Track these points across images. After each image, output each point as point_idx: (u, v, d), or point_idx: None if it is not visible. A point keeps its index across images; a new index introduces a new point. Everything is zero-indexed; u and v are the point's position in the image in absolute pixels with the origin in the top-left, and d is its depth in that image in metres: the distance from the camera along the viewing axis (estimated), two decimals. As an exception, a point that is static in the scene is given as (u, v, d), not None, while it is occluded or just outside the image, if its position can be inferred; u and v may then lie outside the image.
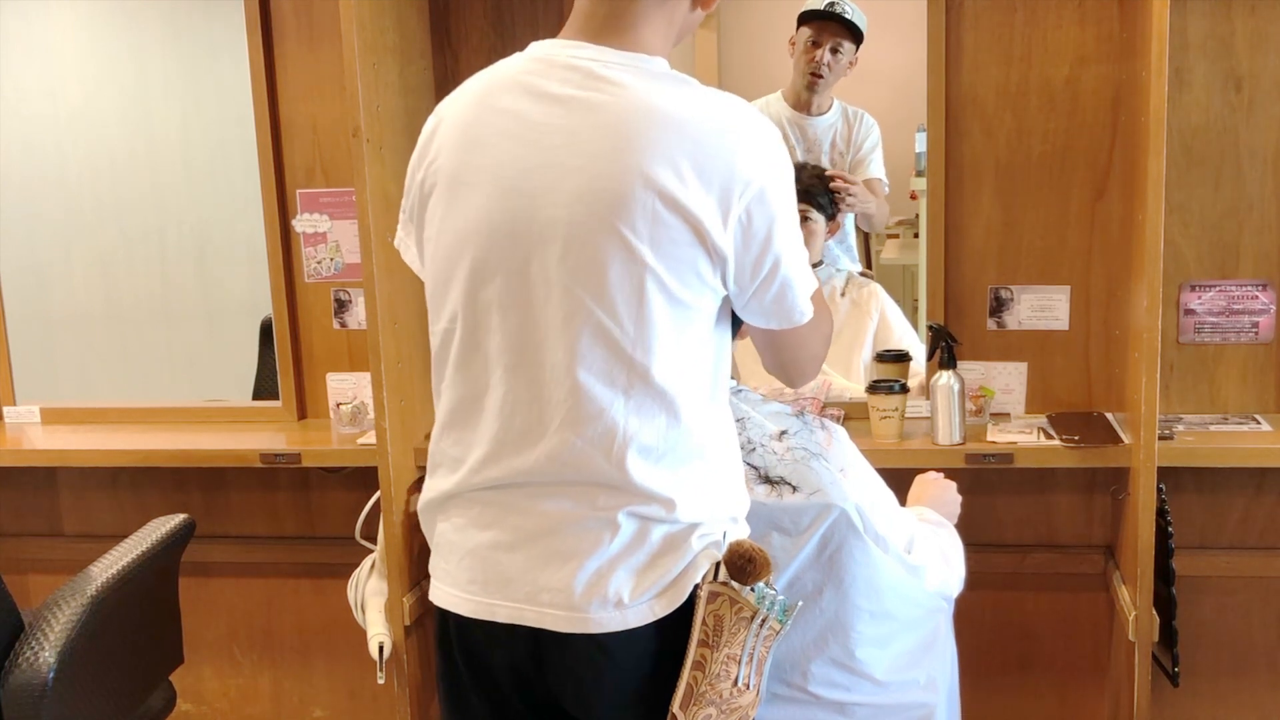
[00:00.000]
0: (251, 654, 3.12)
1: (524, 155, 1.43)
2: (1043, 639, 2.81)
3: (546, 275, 1.42)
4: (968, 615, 2.09)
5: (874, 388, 2.60)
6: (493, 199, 1.44)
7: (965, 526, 2.09)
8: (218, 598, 3.08)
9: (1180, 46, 2.52)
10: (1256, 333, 2.64)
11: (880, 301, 3.03)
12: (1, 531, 3.13)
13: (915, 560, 1.84)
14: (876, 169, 3.17)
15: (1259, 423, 2.60)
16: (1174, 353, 2.65)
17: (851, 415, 2.69)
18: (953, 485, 2.16)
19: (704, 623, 1.46)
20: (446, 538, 1.56)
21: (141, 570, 2.16)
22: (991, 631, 2.78)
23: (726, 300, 1.51)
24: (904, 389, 2.60)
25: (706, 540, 1.48)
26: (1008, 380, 2.71)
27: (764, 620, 1.48)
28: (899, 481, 2.03)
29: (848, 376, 2.97)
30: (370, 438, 2.65)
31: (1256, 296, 2.63)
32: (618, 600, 1.45)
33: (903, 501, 2.03)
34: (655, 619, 1.46)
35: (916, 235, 3.25)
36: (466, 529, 1.53)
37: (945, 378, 2.52)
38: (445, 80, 2.75)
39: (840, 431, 1.88)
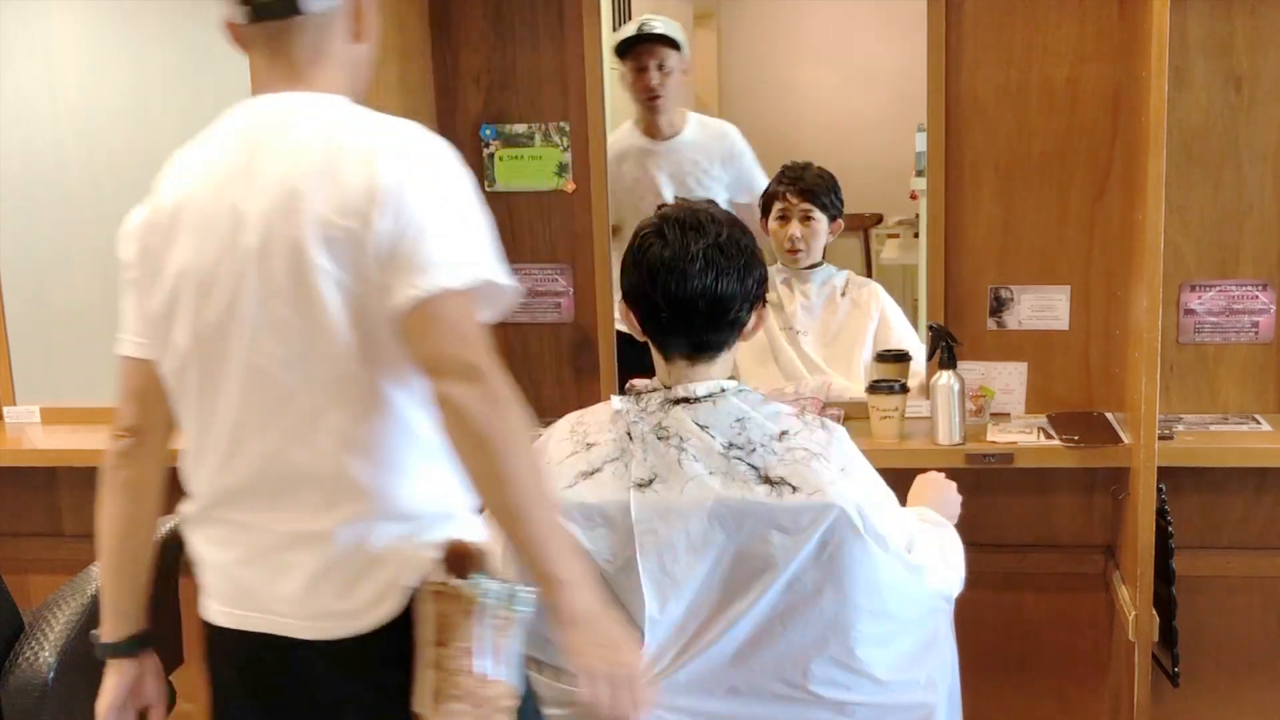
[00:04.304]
0: (251, 654, 3.11)
1: (211, 200, 1.53)
2: (1043, 639, 2.81)
3: (240, 296, 1.50)
4: (968, 615, 2.09)
5: (874, 388, 2.60)
6: (193, 241, 1.54)
7: (965, 526, 2.09)
8: (218, 598, 3.07)
9: (1180, 46, 2.52)
10: (1256, 333, 2.64)
11: (880, 301, 3.03)
12: (1, 531, 3.13)
13: (915, 560, 1.84)
14: (739, 193, 3.15)
15: (1259, 423, 2.60)
16: (1174, 353, 2.65)
17: (851, 415, 2.69)
18: (953, 485, 2.15)
19: (431, 620, 1.49)
20: (198, 552, 1.66)
21: (141, 570, 2.15)
22: (991, 631, 2.78)
23: None
24: (904, 389, 2.60)
25: (424, 540, 1.53)
26: (1008, 380, 2.71)
27: (485, 610, 1.49)
28: (899, 481, 2.03)
29: (848, 376, 2.97)
30: (370, 438, 2.64)
31: (1256, 296, 2.63)
32: (347, 608, 1.52)
33: (903, 501, 2.03)
34: (383, 623, 1.51)
35: (916, 235, 3.25)
36: (210, 545, 1.63)
37: (945, 378, 2.52)
38: (445, 80, 2.75)
39: (840, 431, 1.87)
